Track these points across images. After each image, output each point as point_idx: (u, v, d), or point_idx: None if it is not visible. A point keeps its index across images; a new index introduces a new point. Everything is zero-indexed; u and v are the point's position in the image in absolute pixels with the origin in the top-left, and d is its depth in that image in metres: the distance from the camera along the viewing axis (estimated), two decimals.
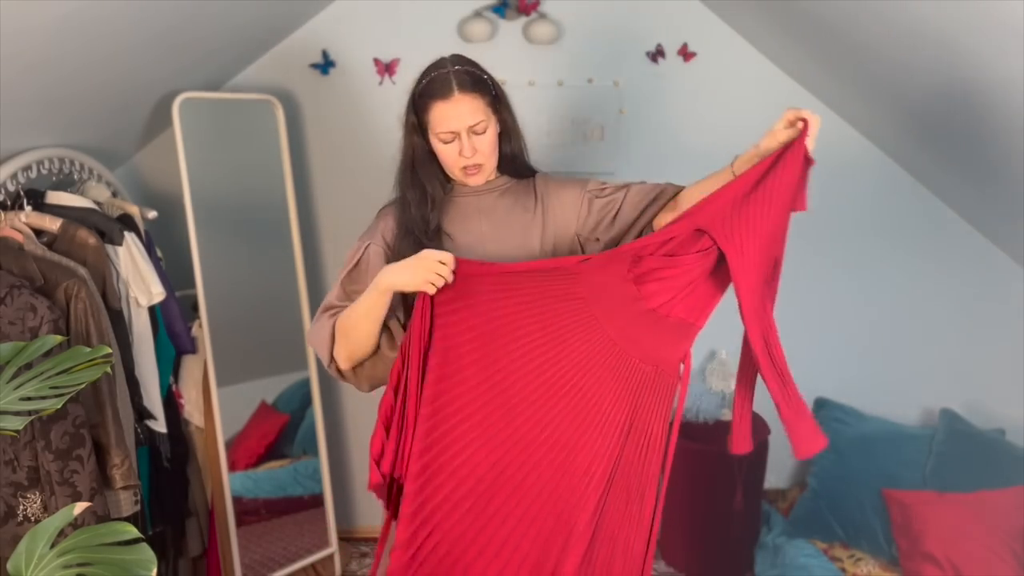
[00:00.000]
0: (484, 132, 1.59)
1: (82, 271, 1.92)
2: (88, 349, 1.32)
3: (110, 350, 1.34)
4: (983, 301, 2.83)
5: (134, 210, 2.32)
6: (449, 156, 1.60)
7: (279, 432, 2.76)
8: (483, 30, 2.64)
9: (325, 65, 2.71)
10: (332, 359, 1.62)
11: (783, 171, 1.41)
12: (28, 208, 2.03)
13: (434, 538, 1.51)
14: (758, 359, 1.44)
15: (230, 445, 2.55)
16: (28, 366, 1.33)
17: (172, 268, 2.55)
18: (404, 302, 1.63)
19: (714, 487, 2.67)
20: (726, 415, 2.83)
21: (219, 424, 2.48)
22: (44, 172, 2.14)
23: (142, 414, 2.18)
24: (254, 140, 2.64)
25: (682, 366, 1.57)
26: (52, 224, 2.01)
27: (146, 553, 1.07)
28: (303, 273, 2.68)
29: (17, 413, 1.24)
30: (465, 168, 1.61)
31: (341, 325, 1.59)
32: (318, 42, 2.72)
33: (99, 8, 1.77)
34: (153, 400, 2.23)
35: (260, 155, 2.64)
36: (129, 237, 2.14)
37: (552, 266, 1.52)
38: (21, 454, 1.72)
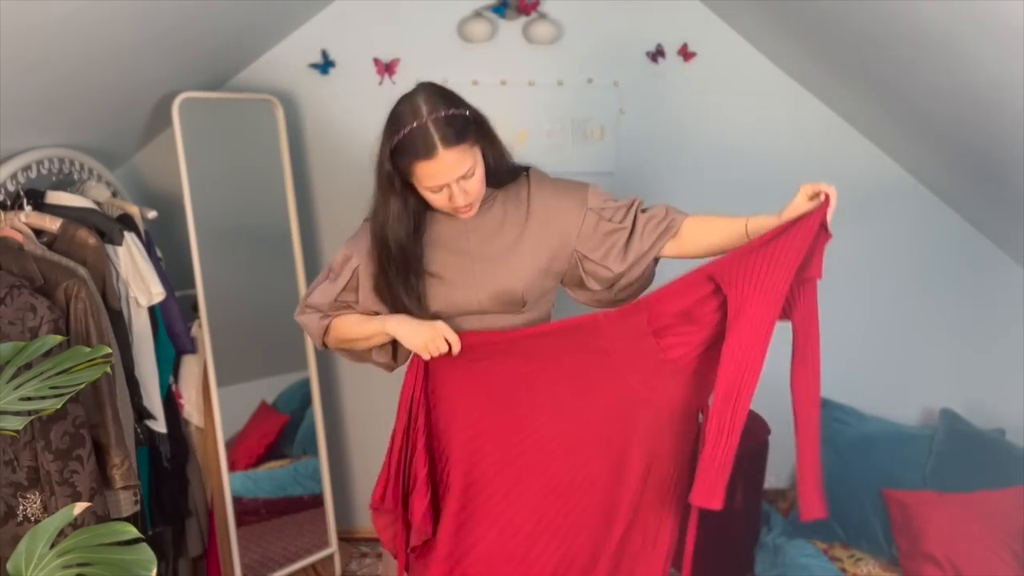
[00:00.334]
0: (473, 175, 1.52)
1: (82, 271, 1.92)
2: (88, 349, 1.32)
3: (110, 350, 1.34)
4: (983, 301, 2.83)
5: (134, 210, 2.32)
6: (438, 201, 1.54)
7: (279, 432, 2.76)
8: (483, 30, 2.64)
9: (325, 65, 2.71)
10: (323, 344, 1.74)
11: (795, 237, 1.44)
12: (28, 208, 2.03)
13: None
14: (714, 403, 1.44)
15: (230, 445, 2.55)
16: (28, 366, 1.33)
17: (172, 268, 2.55)
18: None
19: None
20: None
21: (219, 424, 2.48)
22: (44, 172, 2.14)
23: (142, 414, 2.18)
24: (254, 140, 2.63)
25: (700, 415, 1.62)
26: (52, 224, 2.01)
27: (146, 553, 1.07)
28: (303, 273, 2.68)
29: (17, 413, 1.24)
30: (456, 208, 1.56)
31: (338, 333, 1.70)
32: (318, 42, 2.71)
33: (99, 8, 1.77)
34: (153, 400, 2.23)
35: (260, 155, 2.64)
36: (129, 237, 2.14)
37: (573, 325, 1.59)
38: (21, 454, 1.72)
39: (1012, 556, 2.27)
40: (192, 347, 2.47)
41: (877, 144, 2.75)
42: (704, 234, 1.62)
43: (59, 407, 1.24)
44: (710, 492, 1.43)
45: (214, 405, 2.47)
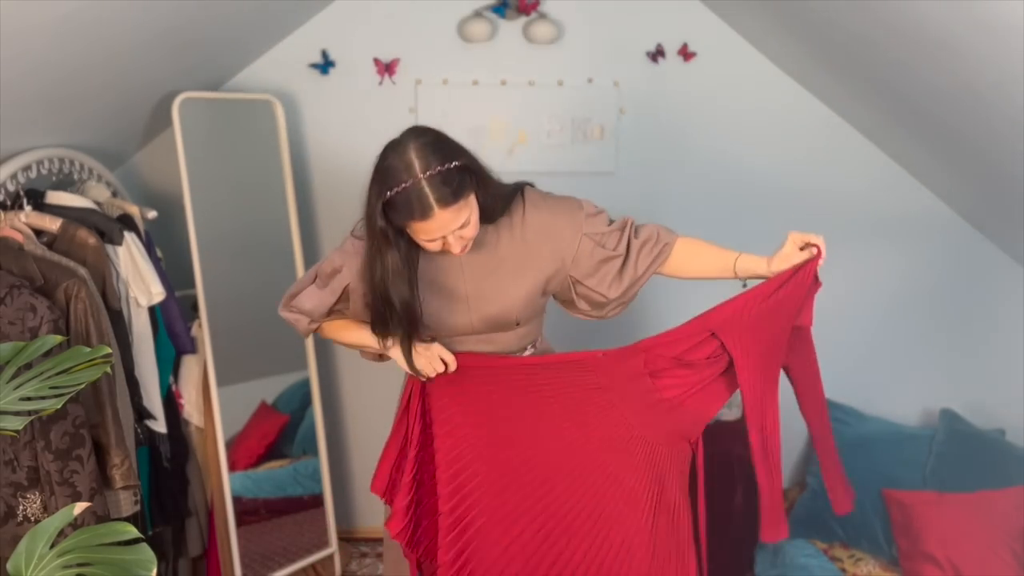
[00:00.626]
0: (469, 223, 1.49)
1: (82, 271, 1.92)
2: (88, 349, 1.32)
3: (110, 350, 1.34)
4: (983, 301, 2.83)
5: (134, 210, 2.32)
6: (432, 247, 1.52)
7: (279, 432, 2.76)
8: (483, 30, 2.64)
9: (325, 65, 2.71)
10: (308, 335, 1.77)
11: (793, 290, 1.54)
12: (28, 208, 2.03)
13: None
14: (752, 447, 1.59)
15: (230, 445, 2.55)
16: (28, 366, 1.33)
17: (172, 268, 2.55)
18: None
19: (714, 487, 2.66)
20: (724, 415, 2.83)
21: (219, 424, 2.48)
22: (44, 172, 2.14)
23: (142, 414, 2.18)
24: (254, 140, 2.63)
25: (694, 454, 1.67)
26: (52, 224, 2.01)
27: (146, 553, 1.07)
28: (303, 273, 2.67)
29: (17, 413, 1.24)
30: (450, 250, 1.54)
31: (329, 334, 1.75)
32: (318, 42, 2.72)
33: (99, 8, 1.76)
34: (153, 400, 2.23)
35: (260, 155, 2.64)
36: (129, 237, 2.14)
37: (572, 360, 1.65)
38: (21, 454, 1.72)
39: (1012, 556, 2.27)
40: (192, 347, 2.47)
41: (877, 144, 2.75)
42: (692, 262, 1.67)
43: (59, 407, 1.24)
44: (775, 526, 1.64)
45: (214, 405, 2.47)
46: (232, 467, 2.55)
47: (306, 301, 1.69)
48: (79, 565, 1.06)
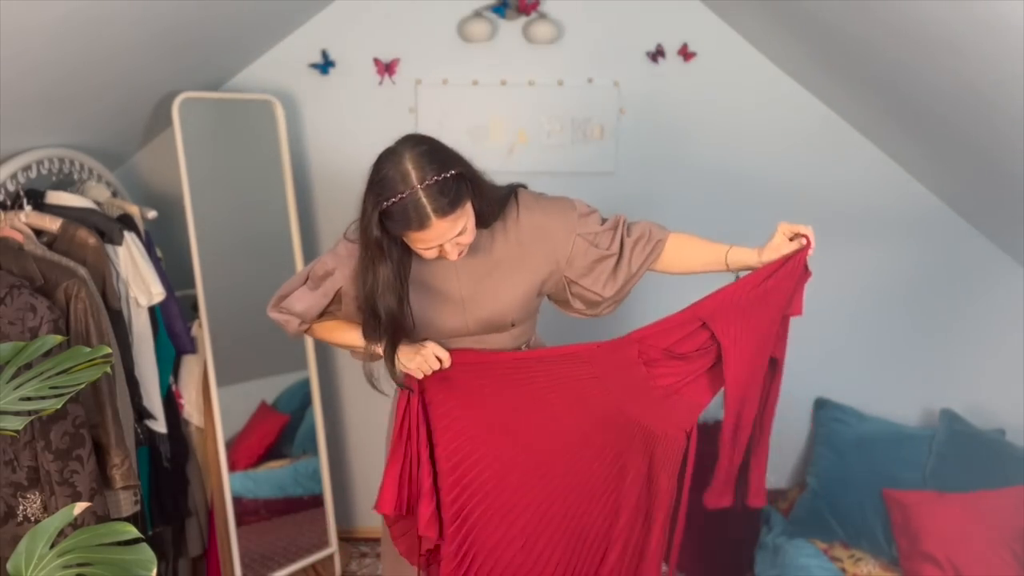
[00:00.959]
0: (466, 230, 1.50)
1: (82, 271, 1.92)
2: (88, 349, 1.32)
3: (110, 350, 1.34)
4: (983, 301, 2.83)
5: (134, 210, 2.32)
6: (428, 254, 1.52)
7: (279, 432, 2.76)
8: (483, 30, 2.64)
9: (325, 65, 2.71)
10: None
11: (782, 279, 1.56)
12: (28, 208, 2.03)
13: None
14: (724, 429, 1.65)
15: (230, 445, 2.55)
16: (28, 366, 1.33)
17: (172, 268, 2.55)
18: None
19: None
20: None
21: (219, 424, 2.48)
22: (44, 172, 2.14)
23: (142, 414, 2.18)
24: (254, 140, 2.63)
25: (688, 439, 1.70)
26: (52, 224, 2.01)
27: (146, 553, 1.07)
28: None
29: (17, 413, 1.24)
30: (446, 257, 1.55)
31: (320, 335, 1.76)
32: (318, 42, 2.71)
33: (99, 8, 1.76)
34: (153, 400, 2.23)
35: (260, 155, 2.64)
36: (129, 237, 2.14)
37: (567, 352, 1.67)
38: (21, 454, 1.72)
39: (1012, 556, 2.27)
40: (192, 347, 2.47)
41: (876, 144, 2.75)
42: (684, 256, 1.68)
43: (59, 407, 1.24)
44: (720, 496, 1.73)
45: (214, 405, 2.47)
46: (232, 467, 2.55)
47: (297, 303, 1.68)
48: (79, 565, 1.06)
